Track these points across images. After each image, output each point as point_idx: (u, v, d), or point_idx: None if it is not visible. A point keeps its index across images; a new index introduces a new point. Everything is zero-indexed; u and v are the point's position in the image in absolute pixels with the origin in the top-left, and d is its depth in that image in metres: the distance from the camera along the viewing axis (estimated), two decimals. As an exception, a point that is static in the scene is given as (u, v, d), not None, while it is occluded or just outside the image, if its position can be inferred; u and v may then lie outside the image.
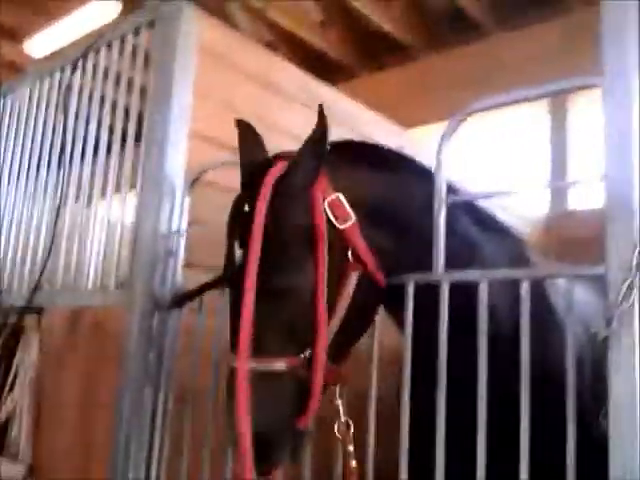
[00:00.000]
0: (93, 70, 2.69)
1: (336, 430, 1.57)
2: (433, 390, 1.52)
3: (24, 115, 3.07)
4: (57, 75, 2.92)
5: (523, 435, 1.39)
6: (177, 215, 2.12)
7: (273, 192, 1.44)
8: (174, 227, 2.12)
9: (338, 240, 1.48)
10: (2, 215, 3.03)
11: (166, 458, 2.00)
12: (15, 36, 7.17)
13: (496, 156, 6.32)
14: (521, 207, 4.49)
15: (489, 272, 1.53)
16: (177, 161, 2.18)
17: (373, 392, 1.66)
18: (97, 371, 2.33)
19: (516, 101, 1.67)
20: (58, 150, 2.74)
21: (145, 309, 2.05)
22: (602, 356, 1.30)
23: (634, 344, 1.25)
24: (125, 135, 2.41)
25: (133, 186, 2.31)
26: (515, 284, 1.48)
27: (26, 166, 2.96)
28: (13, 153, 3.08)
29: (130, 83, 2.52)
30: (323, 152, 1.48)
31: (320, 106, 1.47)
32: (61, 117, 2.77)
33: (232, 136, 2.43)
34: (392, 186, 1.67)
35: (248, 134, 1.68)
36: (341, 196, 1.50)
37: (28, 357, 2.59)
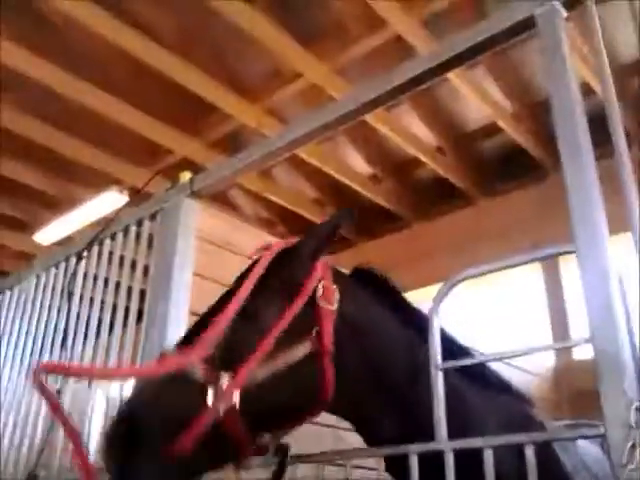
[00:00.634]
0: (97, 257, 2.85)
1: None
2: None
3: (30, 302, 3.19)
4: (62, 264, 3.08)
5: None
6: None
7: (276, 255, 1.59)
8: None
9: (312, 312, 1.54)
10: (3, 400, 3.01)
11: None
12: (25, 228, 7.58)
13: (496, 319, 6.41)
14: (527, 361, 4.46)
15: (492, 438, 1.51)
16: (177, 338, 2.21)
17: None
18: None
19: (504, 268, 1.77)
20: (61, 333, 2.81)
21: None
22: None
23: (644, 498, 1.21)
24: (127, 315, 2.49)
25: (133, 366, 2.34)
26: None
27: (29, 350, 3.01)
28: (17, 339, 3.15)
29: (133, 264, 2.66)
30: (330, 236, 1.63)
31: (350, 209, 1.65)
32: (65, 302, 2.87)
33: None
34: (384, 328, 1.73)
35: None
36: (335, 288, 1.59)
37: None
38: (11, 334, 3.23)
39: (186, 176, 2.60)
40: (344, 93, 4.92)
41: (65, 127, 5.92)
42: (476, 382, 1.85)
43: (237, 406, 1.38)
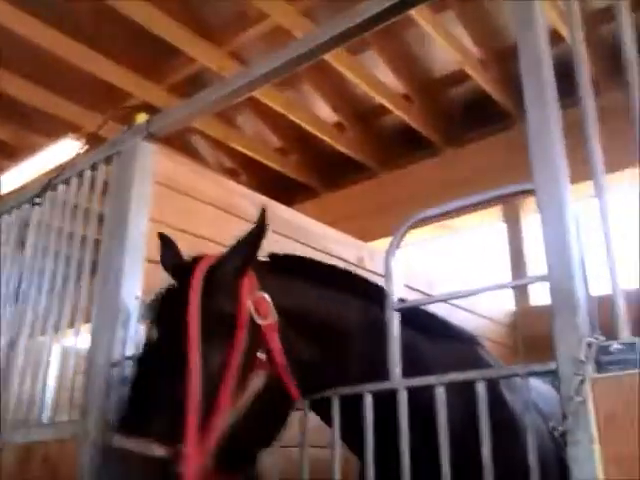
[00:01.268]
0: (51, 205, 2.75)
1: None
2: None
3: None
4: (15, 212, 2.97)
5: None
6: (132, 341, 2.09)
7: (203, 282, 1.51)
8: (128, 353, 2.08)
9: (255, 336, 1.51)
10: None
11: None
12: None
13: (460, 268, 6.51)
14: (487, 308, 4.55)
15: (444, 376, 1.53)
16: (132, 287, 2.18)
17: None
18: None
19: (458, 210, 1.76)
20: (15, 285, 2.73)
21: (99, 440, 1.95)
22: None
23: (591, 438, 1.24)
24: (81, 266, 2.43)
25: (88, 320, 2.29)
26: (463, 387, 1.48)
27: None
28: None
29: (87, 213, 2.58)
30: (254, 249, 1.58)
31: (263, 209, 1.58)
32: (18, 251, 2.79)
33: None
34: (321, 299, 1.72)
35: (169, 245, 1.81)
36: (267, 296, 1.56)
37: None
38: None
39: (142, 117, 2.50)
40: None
41: (23, 73, 5.68)
42: (426, 331, 1.87)
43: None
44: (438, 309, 2.09)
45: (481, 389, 1.46)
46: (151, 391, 1.46)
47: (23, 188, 6.39)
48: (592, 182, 1.43)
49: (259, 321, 1.52)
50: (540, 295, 5.28)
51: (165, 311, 1.57)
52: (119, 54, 5.62)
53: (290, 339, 1.58)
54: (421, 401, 1.55)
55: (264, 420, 1.55)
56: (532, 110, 1.52)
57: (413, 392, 1.55)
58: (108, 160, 2.55)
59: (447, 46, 5.36)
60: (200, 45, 5.40)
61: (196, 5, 5.32)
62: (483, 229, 6.50)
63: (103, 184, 2.57)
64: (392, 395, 1.55)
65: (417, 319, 1.84)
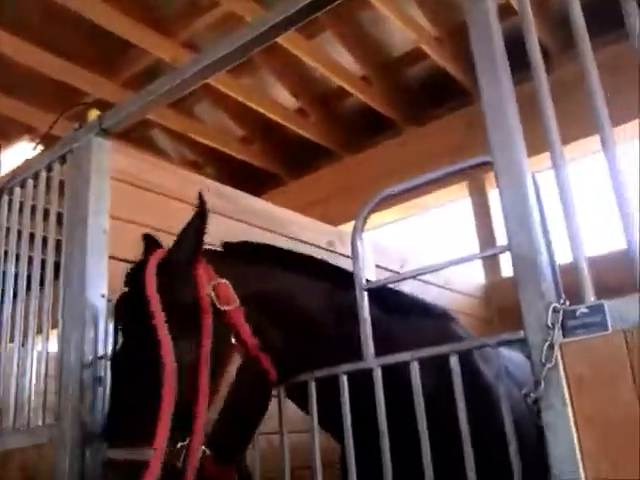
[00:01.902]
0: (8, 208, 2.68)
1: None
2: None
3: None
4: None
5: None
6: (102, 341, 2.06)
7: (157, 277, 1.51)
8: (100, 353, 2.05)
9: (221, 322, 1.51)
10: None
11: None
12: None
13: (430, 246, 6.57)
14: (460, 283, 4.61)
15: (418, 351, 1.53)
16: (97, 286, 2.14)
17: None
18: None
19: (419, 186, 1.76)
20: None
21: (76, 442, 1.93)
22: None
23: (564, 402, 1.26)
24: (44, 267, 2.37)
25: (55, 325, 2.24)
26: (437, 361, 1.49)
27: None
28: None
29: (46, 214, 2.51)
30: (199, 236, 1.59)
31: (200, 194, 1.63)
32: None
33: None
34: (280, 282, 1.72)
35: (152, 245, 1.77)
36: (227, 282, 1.56)
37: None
38: None
39: (94, 114, 2.44)
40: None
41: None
42: (396, 310, 1.87)
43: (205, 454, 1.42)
44: (412, 287, 2.10)
45: (454, 362, 1.47)
46: (131, 397, 1.46)
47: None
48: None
49: (222, 307, 1.52)
50: (509, 267, 5.35)
51: (127, 314, 1.56)
52: (71, 52, 5.48)
53: (255, 322, 1.58)
54: (396, 379, 1.55)
55: (248, 403, 1.56)
56: (485, 83, 1.53)
57: (388, 370, 1.56)
58: (63, 159, 2.49)
59: (402, 25, 5.34)
60: (152, 37, 5.30)
61: (144, -4, 5.21)
62: (452, 206, 6.55)
63: (60, 184, 2.51)
64: (367, 376, 1.55)
65: (387, 299, 1.84)
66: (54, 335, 2.26)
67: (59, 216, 2.46)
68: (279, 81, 6.37)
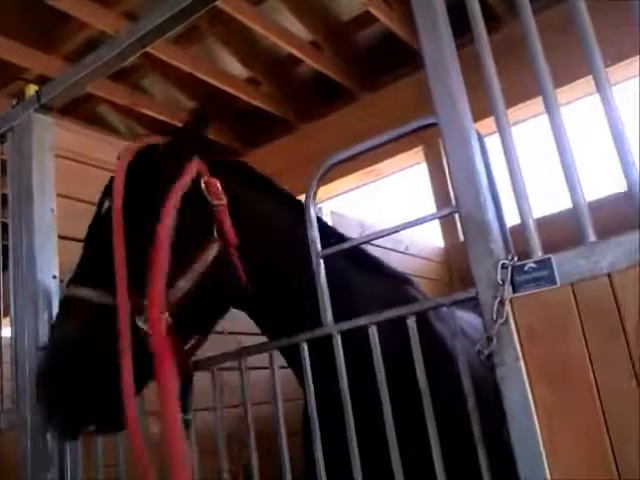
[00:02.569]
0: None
1: None
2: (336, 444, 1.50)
3: None
4: None
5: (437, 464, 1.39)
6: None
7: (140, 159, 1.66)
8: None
9: (207, 212, 1.63)
10: None
11: None
12: None
13: (390, 209, 6.61)
14: (419, 247, 4.66)
15: (375, 315, 1.55)
16: (47, 267, 2.09)
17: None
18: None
19: (368, 150, 1.75)
20: None
21: (37, 425, 1.91)
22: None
23: (516, 356, 1.29)
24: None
25: (7, 313, 2.19)
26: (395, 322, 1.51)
27: None
28: None
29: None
30: (205, 123, 1.78)
31: (200, 104, 1.69)
32: None
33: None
34: (260, 204, 1.84)
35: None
36: (217, 180, 1.68)
37: None
38: None
39: (32, 89, 2.34)
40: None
41: None
42: (358, 266, 1.89)
43: (164, 324, 1.46)
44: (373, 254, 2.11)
45: (411, 323, 1.48)
46: (104, 251, 1.53)
47: None
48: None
49: (211, 200, 1.63)
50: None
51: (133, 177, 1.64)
52: (7, 27, 5.23)
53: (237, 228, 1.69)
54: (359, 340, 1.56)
55: (214, 292, 1.64)
56: (426, 41, 1.53)
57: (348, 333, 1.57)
58: (2, 138, 2.39)
59: (350, -12, 5.27)
60: (91, 8, 5.08)
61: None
62: (409, 172, 6.58)
63: (1, 164, 2.42)
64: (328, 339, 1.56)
65: (354, 257, 1.86)
66: (7, 322, 2.20)
67: (3, 197, 2.38)
68: (227, 50, 6.23)
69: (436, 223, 5.74)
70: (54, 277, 2.09)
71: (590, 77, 1.37)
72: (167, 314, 1.47)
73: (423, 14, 1.53)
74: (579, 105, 4.70)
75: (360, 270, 1.90)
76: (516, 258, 1.35)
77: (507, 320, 1.32)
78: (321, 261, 1.66)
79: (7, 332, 2.22)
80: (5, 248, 2.29)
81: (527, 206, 1.41)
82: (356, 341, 1.56)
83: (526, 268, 1.34)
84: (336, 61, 6.28)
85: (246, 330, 1.97)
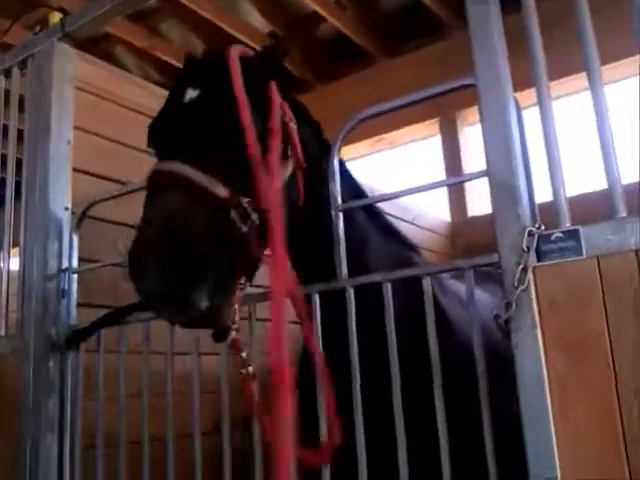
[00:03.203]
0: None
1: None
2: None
3: None
4: None
5: (441, 430, 1.39)
6: (66, 253, 2.00)
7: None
8: (64, 266, 1.99)
9: (284, 130, 1.60)
10: None
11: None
12: None
13: (399, 179, 6.55)
14: (427, 220, 4.65)
15: (390, 273, 1.53)
16: (60, 199, 2.07)
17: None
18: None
19: (399, 107, 1.71)
20: None
21: (40, 352, 1.93)
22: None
23: (534, 324, 1.28)
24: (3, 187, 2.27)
25: (17, 243, 2.17)
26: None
27: None
28: None
29: (5, 130, 2.37)
30: (283, 55, 1.76)
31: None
32: None
33: (117, 169, 2.36)
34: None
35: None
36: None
37: None
38: None
39: (56, 17, 2.30)
40: None
41: None
42: (377, 226, 1.87)
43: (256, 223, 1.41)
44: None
45: (426, 283, 1.47)
46: (203, 134, 1.47)
47: None
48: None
49: (288, 122, 1.63)
50: (477, 207, 5.41)
51: (205, 75, 1.59)
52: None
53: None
54: (366, 299, 1.55)
55: (287, 208, 1.55)
56: (472, 3, 1.47)
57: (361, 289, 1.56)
58: (22, 64, 2.34)
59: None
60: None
61: None
62: (421, 144, 6.51)
63: (19, 100, 2.37)
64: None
65: (374, 217, 1.87)
66: (16, 253, 2.19)
67: (19, 133, 2.34)
68: (251, 3, 6.10)
69: (444, 198, 5.72)
70: (66, 209, 2.07)
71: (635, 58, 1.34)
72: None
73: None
74: (621, 85, 4.59)
75: (378, 231, 1.88)
76: (543, 227, 1.33)
77: (528, 288, 1.30)
78: (340, 215, 1.63)
79: (14, 264, 2.21)
80: (18, 183, 2.26)
81: (560, 178, 1.39)
82: (367, 298, 1.55)
83: (553, 237, 1.32)
84: (359, 23, 6.15)
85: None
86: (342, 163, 1.78)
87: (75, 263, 2.00)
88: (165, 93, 2.87)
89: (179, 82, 1.63)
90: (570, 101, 5.00)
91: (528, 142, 1.51)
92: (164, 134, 1.53)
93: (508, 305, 1.30)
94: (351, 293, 1.55)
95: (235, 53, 1.59)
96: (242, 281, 1.48)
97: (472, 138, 5.91)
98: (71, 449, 1.88)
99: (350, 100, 6.25)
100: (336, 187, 1.65)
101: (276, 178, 1.45)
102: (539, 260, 1.32)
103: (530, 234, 1.32)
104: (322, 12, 5.86)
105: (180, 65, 5.60)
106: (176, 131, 1.50)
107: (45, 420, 1.86)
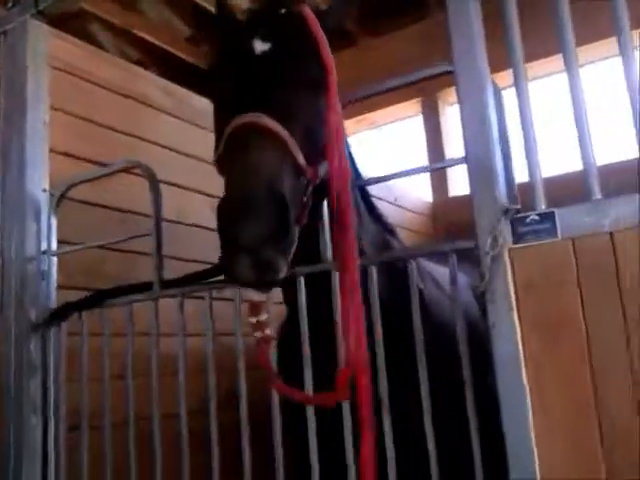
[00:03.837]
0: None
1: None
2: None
3: None
4: None
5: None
6: (45, 235, 1.99)
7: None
8: (43, 248, 1.98)
9: None
10: None
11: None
12: None
13: (381, 159, 6.55)
14: (408, 200, 4.67)
15: (376, 257, 1.55)
16: (38, 180, 2.04)
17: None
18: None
19: (385, 90, 1.72)
20: None
21: (20, 333, 1.92)
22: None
23: (510, 305, 1.30)
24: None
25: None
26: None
27: None
28: None
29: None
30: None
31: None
32: None
33: (94, 150, 2.33)
34: None
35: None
36: None
37: None
38: None
39: (28, -9, 2.23)
40: None
41: None
42: (366, 206, 1.89)
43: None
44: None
45: (411, 266, 1.48)
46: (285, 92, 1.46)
47: None
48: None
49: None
50: (458, 187, 5.44)
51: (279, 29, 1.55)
52: None
53: None
54: None
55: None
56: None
57: None
58: (-4, 40, 2.28)
59: None
60: None
61: None
62: (402, 122, 6.50)
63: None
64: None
65: (365, 199, 1.89)
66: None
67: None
68: (230, -22, 6.00)
69: (426, 177, 5.74)
70: (44, 190, 2.05)
71: (613, 39, 1.35)
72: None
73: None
74: (598, 67, 4.61)
75: (368, 212, 1.91)
76: (520, 207, 1.35)
77: (504, 269, 1.32)
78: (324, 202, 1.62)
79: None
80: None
81: (535, 160, 1.40)
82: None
83: (528, 220, 1.34)
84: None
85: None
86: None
87: (54, 245, 1.99)
88: (144, 72, 2.86)
89: (240, 31, 1.57)
90: (549, 82, 5.03)
91: (508, 125, 1.52)
92: (237, 86, 1.49)
93: (482, 276, 1.32)
94: (336, 275, 1.54)
95: (309, 11, 1.53)
96: None
97: (453, 118, 5.93)
98: (55, 431, 1.88)
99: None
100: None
101: (344, 159, 1.45)
102: (515, 242, 1.34)
103: (505, 211, 1.34)
104: (303, -10, 5.79)
105: (159, 44, 5.32)
106: (254, 84, 1.46)
107: (27, 402, 1.86)
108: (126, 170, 2.04)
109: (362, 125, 6.56)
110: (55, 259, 2.00)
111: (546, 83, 5.02)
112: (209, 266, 1.72)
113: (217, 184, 1.46)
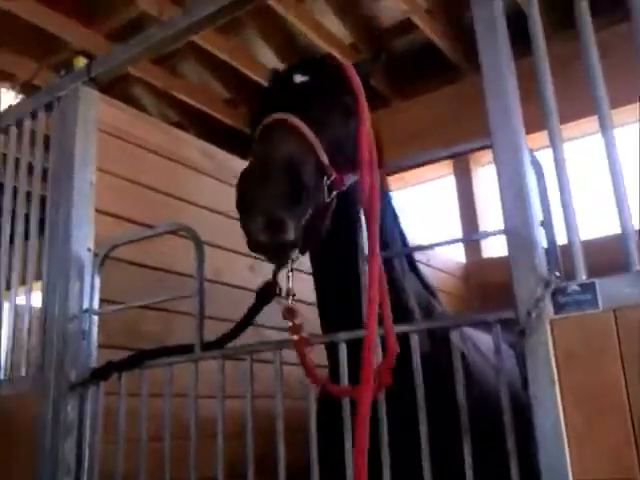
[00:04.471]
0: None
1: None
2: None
3: None
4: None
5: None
6: (87, 294, 2.03)
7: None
8: (85, 306, 2.02)
9: None
10: None
11: None
12: None
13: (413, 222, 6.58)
14: (440, 261, 4.65)
15: (420, 324, 1.55)
16: (83, 239, 2.11)
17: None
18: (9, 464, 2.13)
19: (426, 162, 1.77)
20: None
21: (59, 393, 1.94)
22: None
23: (552, 379, 1.28)
24: (28, 223, 2.33)
25: (39, 277, 2.21)
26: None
27: None
28: None
29: (30, 168, 2.44)
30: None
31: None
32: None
33: (138, 211, 2.41)
34: None
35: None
36: None
37: None
38: None
39: (81, 61, 2.37)
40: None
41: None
42: (414, 271, 1.92)
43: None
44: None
45: (455, 336, 1.48)
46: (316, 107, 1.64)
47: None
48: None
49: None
50: (491, 248, 5.42)
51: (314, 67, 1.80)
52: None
53: None
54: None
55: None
56: (486, 64, 1.52)
57: None
58: (48, 107, 2.41)
59: (394, -4, 5.26)
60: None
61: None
62: (434, 182, 6.55)
63: (45, 139, 2.44)
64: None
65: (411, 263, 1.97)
66: (37, 289, 2.22)
67: (44, 172, 2.40)
68: (266, 43, 6.24)
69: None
70: (89, 250, 2.11)
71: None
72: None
73: (485, 35, 1.51)
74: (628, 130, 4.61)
75: (417, 277, 1.94)
76: (559, 275, 1.35)
77: (545, 341, 1.31)
78: (366, 264, 1.63)
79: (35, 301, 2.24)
80: (41, 221, 2.31)
81: (574, 228, 1.40)
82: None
83: (569, 290, 1.34)
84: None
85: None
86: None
87: (96, 304, 2.03)
88: (184, 135, 2.97)
89: (281, 77, 1.82)
90: (577, 144, 5.05)
91: (548, 195, 1.52)
92: (273, 104, 1.65)
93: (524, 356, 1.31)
94: (378, 341, 1.53)
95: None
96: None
97: (485, 178, 5.96)
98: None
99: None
100: (362, 240, 1.63)
101: (375, 177, 1.56)
102: (556, 313, 1.33)
103: (546, 283, 1.34)
104: (335, 53, 5.98)
105: (198, 106, 5.58)
106: (288, 101, 1.64)
107: (62, 462, 1.86)
108: (171, 232, 2.10)
109: (394, 184, 6.64)
110: (96, 318, 2.04)
111: (578, 144, 5.04)
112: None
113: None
